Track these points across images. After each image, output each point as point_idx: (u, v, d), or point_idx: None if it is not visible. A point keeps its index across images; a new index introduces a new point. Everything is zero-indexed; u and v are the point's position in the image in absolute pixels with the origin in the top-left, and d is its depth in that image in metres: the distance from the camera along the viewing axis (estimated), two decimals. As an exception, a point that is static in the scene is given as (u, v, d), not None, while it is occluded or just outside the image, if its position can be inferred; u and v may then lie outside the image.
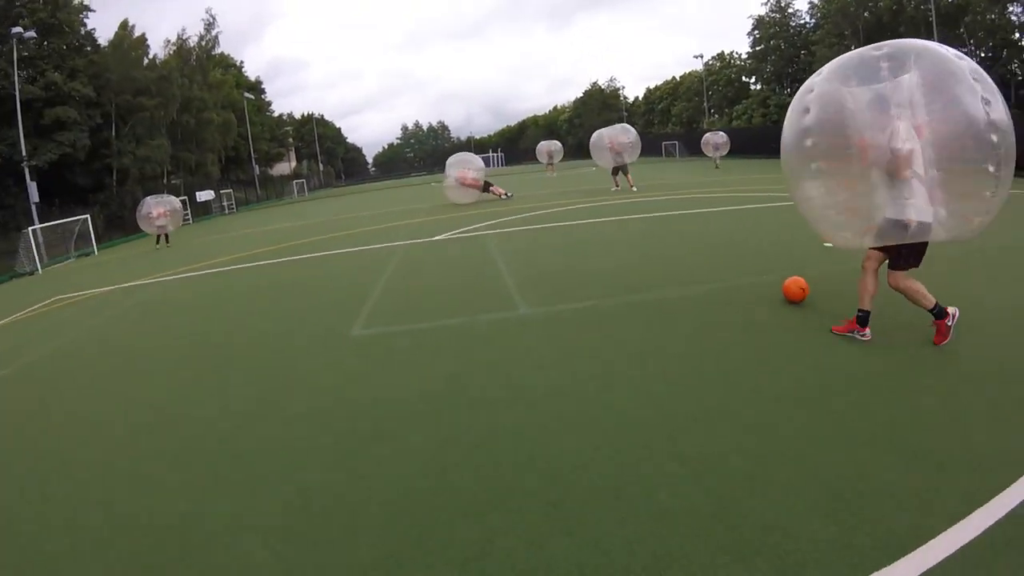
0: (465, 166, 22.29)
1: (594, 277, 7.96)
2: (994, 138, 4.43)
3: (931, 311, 4.84)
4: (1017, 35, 41.48)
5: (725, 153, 35.26)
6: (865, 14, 48.17)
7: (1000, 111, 4.49)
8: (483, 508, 3.07)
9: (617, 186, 21.43)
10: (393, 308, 7.46)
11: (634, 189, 19.92)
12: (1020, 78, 41.16)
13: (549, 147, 42.27)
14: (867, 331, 5.03)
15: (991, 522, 2.57)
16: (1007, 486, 2.81)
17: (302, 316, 7.69)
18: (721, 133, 36.57)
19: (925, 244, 4.76)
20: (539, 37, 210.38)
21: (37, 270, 22.43)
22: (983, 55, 43.48)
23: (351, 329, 6.63)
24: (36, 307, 12.11)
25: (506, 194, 22.00)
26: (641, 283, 7.44)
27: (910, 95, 4.62)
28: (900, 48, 4.81)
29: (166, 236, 22.88)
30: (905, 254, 4.81)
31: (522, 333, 5.95)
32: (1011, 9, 40.86)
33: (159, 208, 22.68)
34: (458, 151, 28.24)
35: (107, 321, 9.48)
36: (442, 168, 24.08)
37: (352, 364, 5.60)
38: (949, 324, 4.80)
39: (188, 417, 4.80)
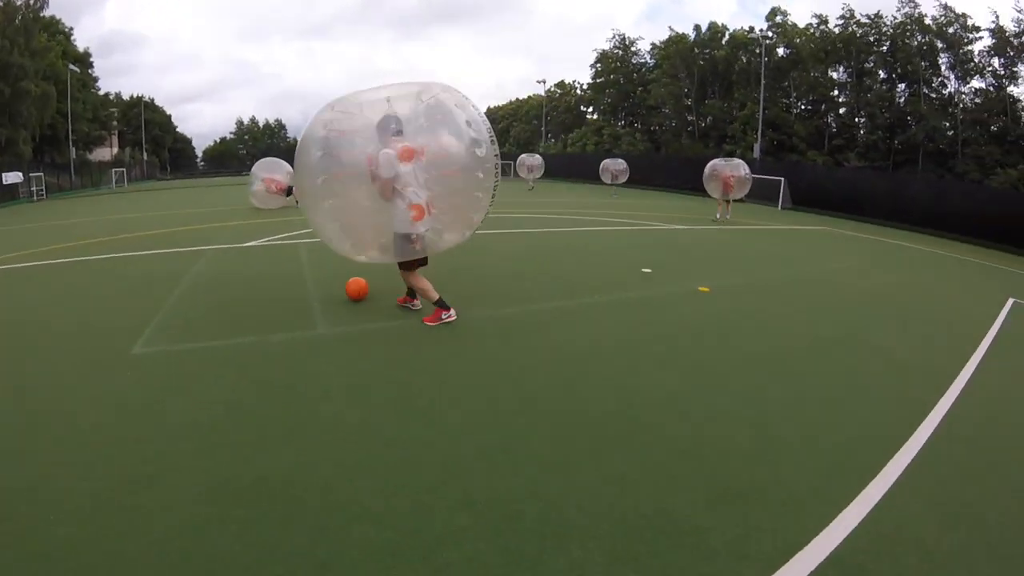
0: (274, 171, 20.70)
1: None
2: (479, 152, 5.58)
3: (435, 303, 6.09)
4: (836, 92, 47.49)
5: (539, 175, 35.97)
6: (700, 61, 52.88)
7: (481, 134, 5.60)
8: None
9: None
10: (180, 324, 6.38)
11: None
12: (834, 130, 47.25)
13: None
14: (451, 311, 6.15)
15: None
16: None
17: (82, 329, 6.39)
18: (536, 156, 37.55)
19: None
20: (385, 45, 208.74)
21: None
22: (803, 106, 49.28)
23: (132, 346, 5.58)
24: None
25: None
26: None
27: (406, 126, 5.52)
28: (407, 86, 5.79)
29: None
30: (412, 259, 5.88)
31: (314, 355, 5.33)
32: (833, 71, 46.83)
33: None
34: (293, 152, 27.06)
35: None
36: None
37: (125, 390, 4.65)
38: (444, 318, 6.08)
39: None
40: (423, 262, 6.02)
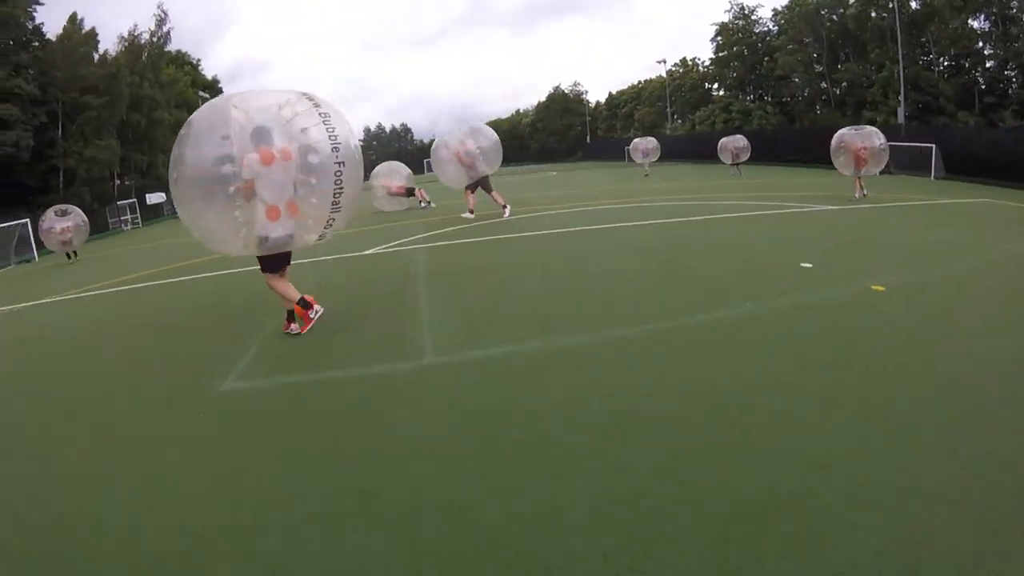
0: (392, 175, 21.35)
1: (523, 308, 6.78)
2: (312, 160, 5.70)
3: (297, 302, 6.21)
4: (980, 43, 41.89)
5: (655, 159, 34.13)
6: (827, 23, 48.58)
7: (320, 137, 5.74)
8: None
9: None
10: (275, 354, 5.88)
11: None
12: (983, 87, 41.38)
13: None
14: (316, 306, 6.35)
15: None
16: None
17: (179, 355, 6.24)
18: (651, 139, 35.34)
19: (287, 253, 6.14)
20: (502, 43, 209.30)
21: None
22: (947, 63, 44.06)
23: (224, 381, 5.13)
24: None
25: (428, 202, 20.59)
26: (566, 319, 6.14)
27: (279, 131, 5.63)
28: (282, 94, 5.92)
29: (74, 251, 20.46)
30: (267, 261, 5.99)
31: (415, 393, 4.61)
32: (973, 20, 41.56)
33: (63, 223, 20.06)
34: (423, 155, 27.49)
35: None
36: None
37: (202, 435, 4.22)
38: (312, 316, 6.28)
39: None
40: (285, 262, 6.26)
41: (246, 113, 5.60)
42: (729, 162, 29.43)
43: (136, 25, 50.54)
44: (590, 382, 4.49)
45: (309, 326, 6.23)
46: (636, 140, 35.36)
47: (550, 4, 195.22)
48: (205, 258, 12.87)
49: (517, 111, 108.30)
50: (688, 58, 68.81)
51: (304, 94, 5.95)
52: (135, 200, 42.56)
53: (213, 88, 70.69)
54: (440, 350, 5.50)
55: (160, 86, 49.27)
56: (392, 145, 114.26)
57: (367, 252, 11.76)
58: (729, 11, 58.62)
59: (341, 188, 5.85)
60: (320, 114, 5.84)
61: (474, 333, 5.95)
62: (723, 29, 59.19)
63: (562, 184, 30.15)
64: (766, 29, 57.13)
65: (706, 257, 9.04)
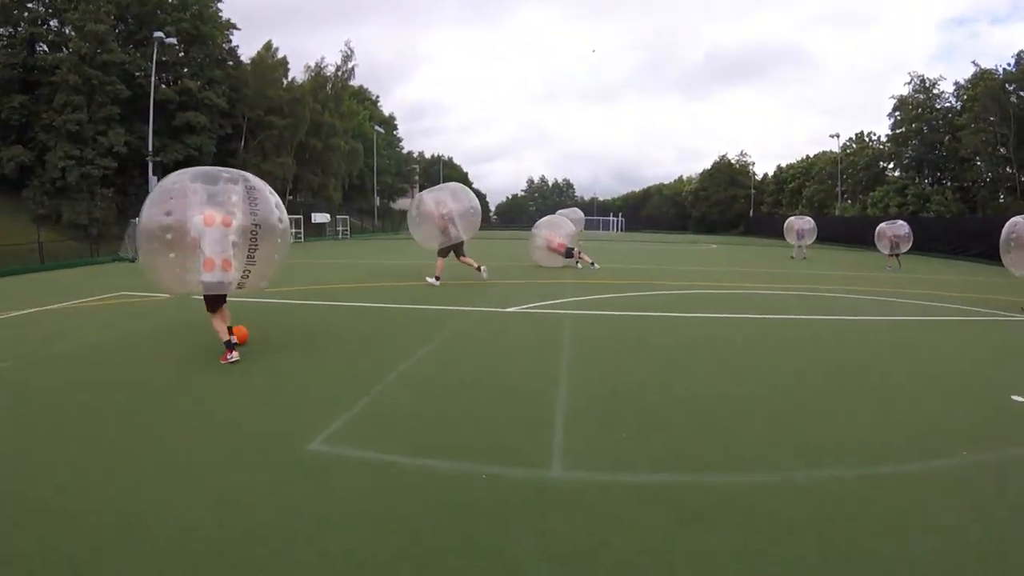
0: (554, 229, 20.35)
1: (683, 416, 5.50)
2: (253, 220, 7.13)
3: (225, 343, 7.20)
4: None
5: (810, 242, 31.10)
6: (1013, 98, 43.42)
7: (262, 213, 7.22)
8: None
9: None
10: (382, 417, 5.31)
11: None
12: None
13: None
14: (235, 352, 7.17)
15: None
16: None
17: (290, 401, 5.73)
18: (807, 219, 32.19)
19: (222, 295, 7.28)
20: (672, 106, 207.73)
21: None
22: None
23: (310, 441, 4.62)
24: (99, 297, 12.48)
25: (590, 263, 19.55)
26: (755, 445, 4.80)
27: (230, 198, 7.06)
28: (236, 172, 7.48)
29: None
30: (209, 300, 7.24)
31: (534, 521, 3.54)
32: None
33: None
34: (582, 210, 27.38)
35: (124, 336, 9.02)
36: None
37: (267, 495, 3.78)
38: (229, 359, 7.09)
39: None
40: (221, 302, 7.35)
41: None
42: (887, 251, 26.24)
43: (324, 58, 54.70)
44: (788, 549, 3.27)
45: (225, 361, 7.10)
46: (791, 219, 32.61)
47: (725, 68, 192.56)
48: (350, 284, 13.23)
49: (680, 178, 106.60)
50: (864, 132, 64.41)
51: (242, 177, 7.40)
52: (301, 216, 45.20)
53: (389, 123, 75.40)
54: (574, 461, 4.45)
55: (340, 116, 52.80)
56: (552, 198, 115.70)
57: (508, 309, 11.21)
58: (909, 83, 54.24)
59: (256, 247, 7.16)
60: (249, 193, 7.25)
61: (622, 442, 4.83)
62: (902, 103, 54.61)
63: (724, 259, 29.01)
64: (948, 105, 52.21)
65: (893, 368, 7.52)
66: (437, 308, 11.27)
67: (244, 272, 7.14)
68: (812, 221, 31.82)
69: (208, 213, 6.80)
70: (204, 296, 7.22)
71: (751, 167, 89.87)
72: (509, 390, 6.27)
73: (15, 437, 4.85)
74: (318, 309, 11.41)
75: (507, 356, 7.98)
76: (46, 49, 34.94)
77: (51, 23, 35.59)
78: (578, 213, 33.37)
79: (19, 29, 34.71)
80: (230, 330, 7.34)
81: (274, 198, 7.59)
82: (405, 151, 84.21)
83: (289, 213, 26.56)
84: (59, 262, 27.46)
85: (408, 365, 7.08)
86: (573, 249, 19.90)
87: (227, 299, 7.44)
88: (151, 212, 6.88)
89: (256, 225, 7.12)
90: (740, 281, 17.65)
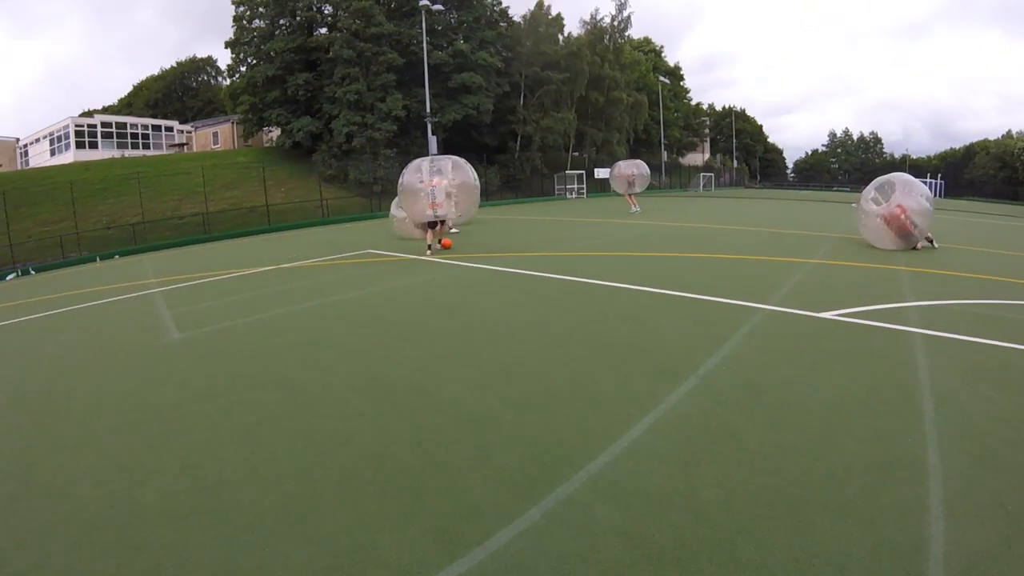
0: (910, 194, 11.53)
1: None
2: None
3: (428, 246, 12.51)
4: None
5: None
6: None
7: (460, 178, 13.17)
8: None
9: None
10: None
11: None
12: None
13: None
14: (429, 252, 12.08)
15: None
16: None
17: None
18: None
19: (436, 221, 12.75)
20: (992, 44, 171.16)
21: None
22: None
23: None
24: (349, 254, 13.50)
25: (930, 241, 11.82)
26: None
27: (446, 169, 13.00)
28: (441, 158, 13.71)
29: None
30: (430, 224, 12.79)
31: None
32: None
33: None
34: (890, 170, 20.26)
35: (365, 297, 8.32)
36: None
37: None
38: (427, 254, 11.79)
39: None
40: (435, 225, 12.73)
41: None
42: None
43: (598, 9, 51.64)
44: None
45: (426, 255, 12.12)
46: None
47: None
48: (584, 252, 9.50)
49: (1009, 132, 79.25)
50: None
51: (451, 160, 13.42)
52: (583, 172, 44.04)
53: (675, 74, 69.82)
54: None
55: (620, 68, 49.05)
56: (858, 155, 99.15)
57: (822, 315, 6.33)
58: None
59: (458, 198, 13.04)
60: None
61: None
62: None
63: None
64: None
65: None
66: (730, 302, 7.00)
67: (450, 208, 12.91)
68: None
69: (435, 178, 12.70)
70: (428, 222, 12.66)
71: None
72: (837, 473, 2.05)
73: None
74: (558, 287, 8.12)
75: (816, 405, 3.63)
76: (324, 31, 37.06)
77: (325, 9, 37.72)
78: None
79: (296, 18, 37.11)
80: (438, 242, 12.83)
81: (470, 168, 13.55)
82: (694, 103, 76.80)
83: (572, 168, 32.04)
84: (342, 216, 28.86)
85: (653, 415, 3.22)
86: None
87: (443, 224, 13.11)
88: (411, 178, 12.86)
89: (454, 185, 12.86)
90: None
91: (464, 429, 3.79)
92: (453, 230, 15.93)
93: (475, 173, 13.78)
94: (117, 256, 21.34)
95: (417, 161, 13.43)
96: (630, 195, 24.50)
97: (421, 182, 12.73)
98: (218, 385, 4.96)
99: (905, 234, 11.37)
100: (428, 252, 12.37)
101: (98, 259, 20.85)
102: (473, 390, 4.46)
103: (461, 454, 3.47)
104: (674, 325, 6.09)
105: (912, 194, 11.56)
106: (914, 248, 11.38)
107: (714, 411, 3.90)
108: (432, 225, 12.78)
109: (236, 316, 7.60)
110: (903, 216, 11.32)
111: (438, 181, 12.75)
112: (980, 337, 5.44)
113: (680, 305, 7.06)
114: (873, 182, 12.56)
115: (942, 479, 3.04)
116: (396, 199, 15.60)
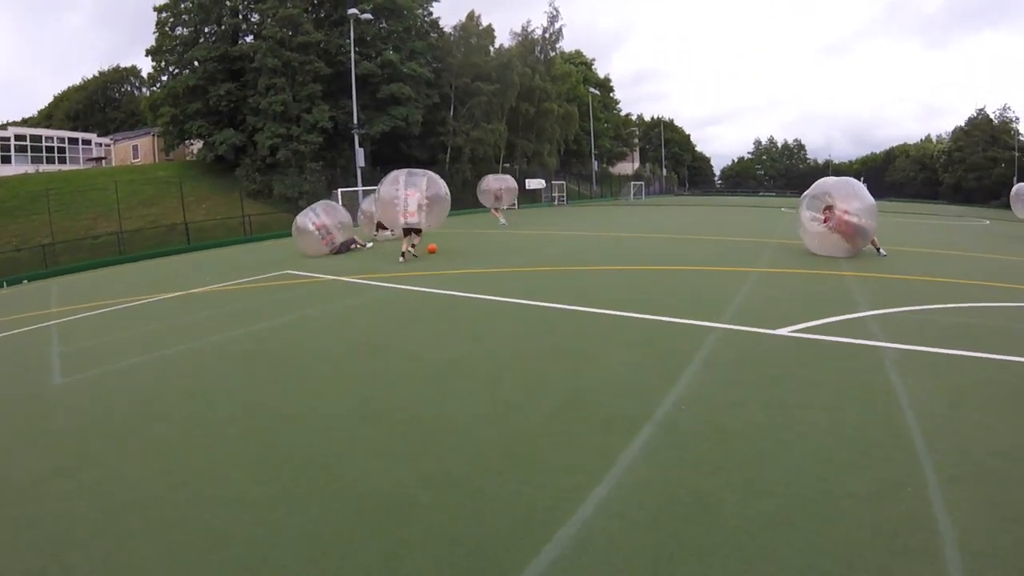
0: (849, 200, 11.27)
1: None
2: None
3: (402, 253, 13.07)
4: None
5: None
6: None
7: (433, 189, 13.73)
8: None
9: None
10: None
11: None
12: None
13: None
14: (402, 259, 12.62)
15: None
16: None
17: None
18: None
19: (412, 229, 13.33)
20: (911, 56, 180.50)
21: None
22: None
23: None
24: (267, 275, 12.32)
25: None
26: None
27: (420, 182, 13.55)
28: (417, 172, 14.25)
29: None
30: (405, 231, 13.37)
31: None
32: None
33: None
34: (814, 175, 20.31)
35: (272, 331, 7.32)
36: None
37: None
38: (400, 260, 12.47)
39: None
40: (410, 232, 13.28)
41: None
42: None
43: (529, 21, 51.62)
44: None
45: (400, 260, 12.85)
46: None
47: (973, 7, 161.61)
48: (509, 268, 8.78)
49: (927, 137, 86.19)
50: None
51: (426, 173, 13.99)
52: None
53: (606, 86, 70.45)
54: None
55: (551, 79, 48.96)
56: (782, 161, 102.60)
57: (778, 332, 5.79)
58: None
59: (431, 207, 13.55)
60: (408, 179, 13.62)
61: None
62: None
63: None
64: None
65: None
66: (684, 322, 6.44)
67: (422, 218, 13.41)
68: (512, 179, 29.07)
69: (409, 190, 13.39)
70: (403, 228, 13.37)
71: (1015, 124, 67.84)
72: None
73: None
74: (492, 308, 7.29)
75: (793, 435, 3.05)
76: (251, 39, 35.58)
77: (252, 16, 36.38)
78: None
79: (221, 26, 35.44)
80: (412, 247, 13.42)
81: (443, 183, 14.09)
82: (624, 114, 77.94)
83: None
84: (267, 233, 27.45)
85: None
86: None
87: (419, 232, 13.48)
88: (388, 189, 13.68)
89: (427, 197, 13.44)
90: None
91: (368, 522, 2.91)
92: (368, 244, 17.15)
93: (447, 188, 14.34)
94: (25, 281, 19.42)
95: (395, 173, 14.27)
96: (496, 209, 25.83)
97: (397, 191, 13.61)
98: (89, 453, 4.03)
99: (858, 233, 11.14)
100: (401, 259, 13.01)
101: (4, 284, 18.93)
102: (383, 461, 3.57)
103: (362, 561, 2.60)
104: (621, 355, 5.34)
105: (850, 196, 11.39)
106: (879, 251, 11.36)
107: (680, 474, 3.18)
108: (407, 233, 13.56)
109: (131, 355, 6.55)
110: (854, 220, 11.13)
111: (412, 193, 13.58)
112: (953, 348, 5.07)
113: (625, 328, 6.35)
114: (804, 195, 12.39)
115: (957, 542, 2.56)
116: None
